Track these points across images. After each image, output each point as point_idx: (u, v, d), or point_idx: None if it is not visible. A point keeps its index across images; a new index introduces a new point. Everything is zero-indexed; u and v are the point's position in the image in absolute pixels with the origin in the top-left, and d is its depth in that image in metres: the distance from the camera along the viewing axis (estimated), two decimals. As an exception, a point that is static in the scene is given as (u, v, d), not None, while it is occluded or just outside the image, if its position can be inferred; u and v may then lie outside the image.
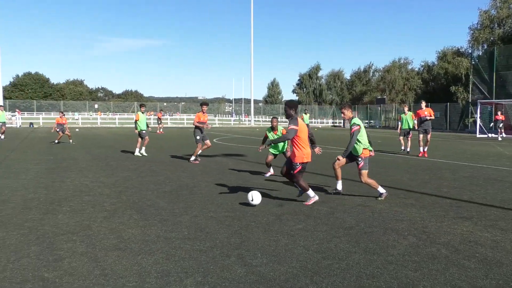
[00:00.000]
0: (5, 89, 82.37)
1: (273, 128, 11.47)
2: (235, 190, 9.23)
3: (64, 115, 25.09)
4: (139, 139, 17.00)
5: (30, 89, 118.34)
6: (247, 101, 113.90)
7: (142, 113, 17.06)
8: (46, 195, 8.52)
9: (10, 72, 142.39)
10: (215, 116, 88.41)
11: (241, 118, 77.67)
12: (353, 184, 10.08)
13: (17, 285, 4.11)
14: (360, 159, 8.29)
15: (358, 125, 8.32)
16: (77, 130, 40.50)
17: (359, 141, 8.24)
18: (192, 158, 14.40)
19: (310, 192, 7.84)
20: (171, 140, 26.90)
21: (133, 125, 17.98)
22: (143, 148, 16.97)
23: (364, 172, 8.30)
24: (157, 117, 41.10)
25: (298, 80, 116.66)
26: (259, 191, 7.86)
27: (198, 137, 14.33)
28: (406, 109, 19.82)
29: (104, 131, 39.24)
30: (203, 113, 14.51)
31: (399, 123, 19.92)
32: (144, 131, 16.84)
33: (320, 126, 64.69)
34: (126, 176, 11.07)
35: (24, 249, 5.14)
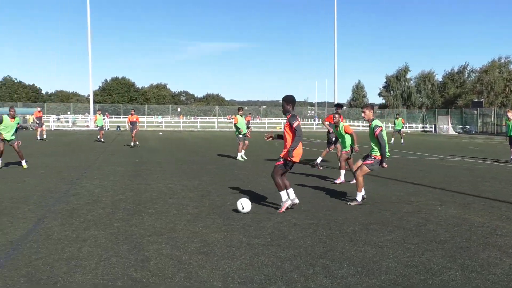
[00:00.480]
0: (94, 93, 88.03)
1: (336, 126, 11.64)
2: (319, 197, 9.16)
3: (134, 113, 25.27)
4: (240, 143, 17.33)
5: (117, 93, 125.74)
6: (330, 104, 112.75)
7: (241, 116, 17.36)
8: (133, 197, 8.98)
9: (99, 77, 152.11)
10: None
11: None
12: (447, 194, 9.60)
13: (108, 282, 4.37)
14: (373, 157, 8.35)
15: (380, 126, 8.33)
16: (160, 133, 42.35)
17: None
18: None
19: (283, 195, 7.63)
20: (254, 144, 27.27)
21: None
22: (243, 151, 17.28)
23: (366, 169, 8.35)
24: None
25: (385, 82, 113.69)
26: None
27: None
28: (510, 114, 18.47)
29: (186, 135, 40.66)
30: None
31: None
32: (241, 135, 17.19)
33: (408, 131, 62.40)
34: (209, 180, 11.38)
35: (114, 248, 5.46)
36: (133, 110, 25.60)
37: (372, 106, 8.73)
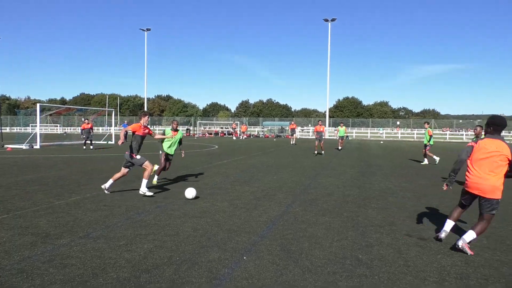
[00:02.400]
0: (329, 110, 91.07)
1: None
2: (540, 207, 7.55)
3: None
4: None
5: (347, 110, 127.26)
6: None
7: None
8: (359, 193, 8.93)
9: (334, 97, 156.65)
10: (514, 132, 74.29)
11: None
12: None
13: (340, 259, 4.45)
14: None
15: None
16: (381, 142, 41.14)
17: None
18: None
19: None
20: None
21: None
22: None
23: None
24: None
25: None
26: None
27: None
28: None
29: (404, 144, 38.51)
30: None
31: None
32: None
33: None
34: (425, 184, 10.55)
35: (343, 233, 5.53)
36: (320, 121, 22.11)
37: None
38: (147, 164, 8.02)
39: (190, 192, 7.70)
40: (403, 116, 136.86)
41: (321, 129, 20.85)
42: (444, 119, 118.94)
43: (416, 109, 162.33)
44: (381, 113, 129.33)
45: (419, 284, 3.80)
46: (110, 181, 8.20)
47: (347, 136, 40.45)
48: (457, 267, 4.24)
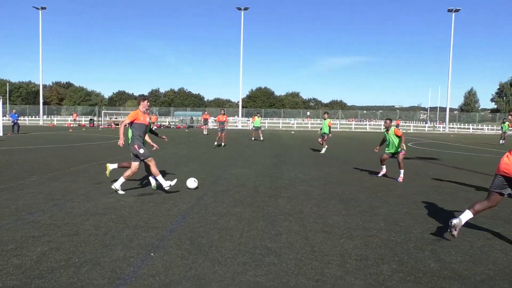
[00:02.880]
0: (243, 100, 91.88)
1: (387, 129, 10.30)
2: (428, 190, 8.50)
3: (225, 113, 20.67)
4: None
5: (260, 100, 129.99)
6: (442, 109, 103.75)
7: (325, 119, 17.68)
8: (270, 183, 9.20)
9: (247, 87, 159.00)
10: (410, 123, 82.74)
11: (435, 125, 71.08)
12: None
13: (250, 249, 4.55)
14: None
15: None
16: (292, 132, 42.86)
17: None
18: None
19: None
20: (372, 142, 26.32)
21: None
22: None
23: None
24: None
25: (498, 89, 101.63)
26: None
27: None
28: None
29: (313, 134, 40.56)
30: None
31: None
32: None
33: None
34: (331, 172, 11.22)
35: (254, 223, 5.66)
36: (223, 110, 21.08)
37: None
38: (151, 160, 7.33)
39: (191, 183, 7.95)
40: (313, 106, 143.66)
41: (224, 119, 20.21)
42: (350, 110, 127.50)
43: (325, 100, 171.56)
44: (293, 103, 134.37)
45: (324, 267, 4.04)
46: (122, 180, 7.41)
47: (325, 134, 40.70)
48: (358, 249, 4.59)
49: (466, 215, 4.89)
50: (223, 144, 19.97)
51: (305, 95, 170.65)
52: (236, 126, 56.27)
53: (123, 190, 7.57)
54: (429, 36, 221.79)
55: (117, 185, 7.45)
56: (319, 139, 17.83)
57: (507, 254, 4.52)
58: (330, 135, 17.80)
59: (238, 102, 61.09)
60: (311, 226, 5.53)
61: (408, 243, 4.87)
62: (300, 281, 3.72)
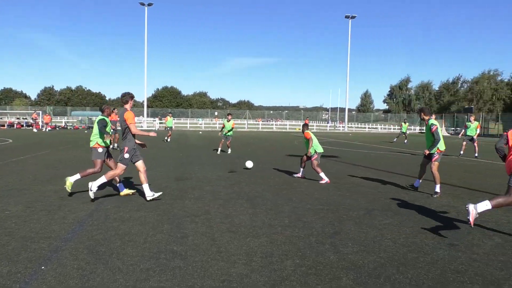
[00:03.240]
0: (148, 99, 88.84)
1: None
2: (329, 187, 9.07)
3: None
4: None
5: (166, 100, 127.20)
6: (342, 109, 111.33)
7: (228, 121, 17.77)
8: (176, 184, 9.07)
9: (153, 86, 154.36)
10: (313, 122, 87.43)
11: (336, 125, 76.14)
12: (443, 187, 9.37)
13: (154, 254, 4.43)
14: (436, 153, 8.30)
15: (436, 125, 8.21)
16: (200, 132, 42.67)
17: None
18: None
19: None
20: (278, 142, 27.25)
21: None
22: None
23: (437, 163, 8.31)
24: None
25: (389, 91, 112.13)
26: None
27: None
28: (472, 118, 18.75)
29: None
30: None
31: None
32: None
33: (408, 132, 61.00)
34: (240, 171, 11.40)
35: (159, 227, 5.52)
36: (115, 110, 19.19)
37: (428, 109, 8.48)
38: (123, 168, 7.11)
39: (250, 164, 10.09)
40: (221, 106, 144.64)
41: (118, 118, 18.77)
42: (258, 110, 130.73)
43: (233, 100, 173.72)
44: (200, 103, 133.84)
45: (230, 267, 4.10)
46: (146, 186, 7.17)
47: (166, 127, 39.37)
48: (263, 247, 4.73)
49: (483, 206, 5.08)
50: (116, 145, 18.41)
51: (213, 95, 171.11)
52: (142, 126, 54.30)
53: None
54: (331, 40, 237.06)
55: (94, 187, 6.97)
56: (222, 141, 17.63)
57: (396, 242, 5.01)
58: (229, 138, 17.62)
59: (143, 101, 59.03)
60: (218, 227, 5.57)
61: (310, 237, 5.14)
62: (206, 283, 3.72)
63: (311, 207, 6.94)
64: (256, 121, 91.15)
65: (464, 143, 18.57)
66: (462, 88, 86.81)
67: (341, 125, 75.64)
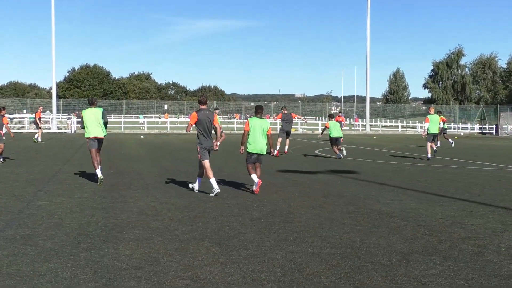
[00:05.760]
0: (58, 85, 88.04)
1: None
2: (344, 220, 9.13)
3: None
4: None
5: (87, 86, 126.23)
6: (360, 99, 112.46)
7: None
8: (106, 218, 8.99)
9: (65, 66, 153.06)
10: (317, 119, 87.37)
11: (352, 122, 76.82)
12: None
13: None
14: None
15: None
16: (142, 137, 42.51)
17: None
18: None
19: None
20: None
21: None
22: None
23: None
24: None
25: (432, 70, 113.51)
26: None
27: None
28: None
29: (174, 138, 40.74)
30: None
31: None
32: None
33: (462, 134, 62.13)
34: (203, 197, 11.37)
35: (79, 286, 5.44)
36: (2, 109, 21.56)
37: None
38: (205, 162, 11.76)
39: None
40: (174, 96, 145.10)
41: (6, 121, 20.38)
42: (231, 101, 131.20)
43: (192, 86, 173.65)
44: (141, 91, 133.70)
45: None
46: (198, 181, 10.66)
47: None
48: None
49: None
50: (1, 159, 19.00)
51: (159, 78, 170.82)
52: (49, 128, 53.57)
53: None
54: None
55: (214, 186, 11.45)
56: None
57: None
58: None
59: (50, 89, 58.49)
60: (173, 284, 5.52)
61: None
62: None
63: (317, 250, 6.97)
64: (230, 117, 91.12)
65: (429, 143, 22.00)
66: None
67: (357, 122, 76.16)
